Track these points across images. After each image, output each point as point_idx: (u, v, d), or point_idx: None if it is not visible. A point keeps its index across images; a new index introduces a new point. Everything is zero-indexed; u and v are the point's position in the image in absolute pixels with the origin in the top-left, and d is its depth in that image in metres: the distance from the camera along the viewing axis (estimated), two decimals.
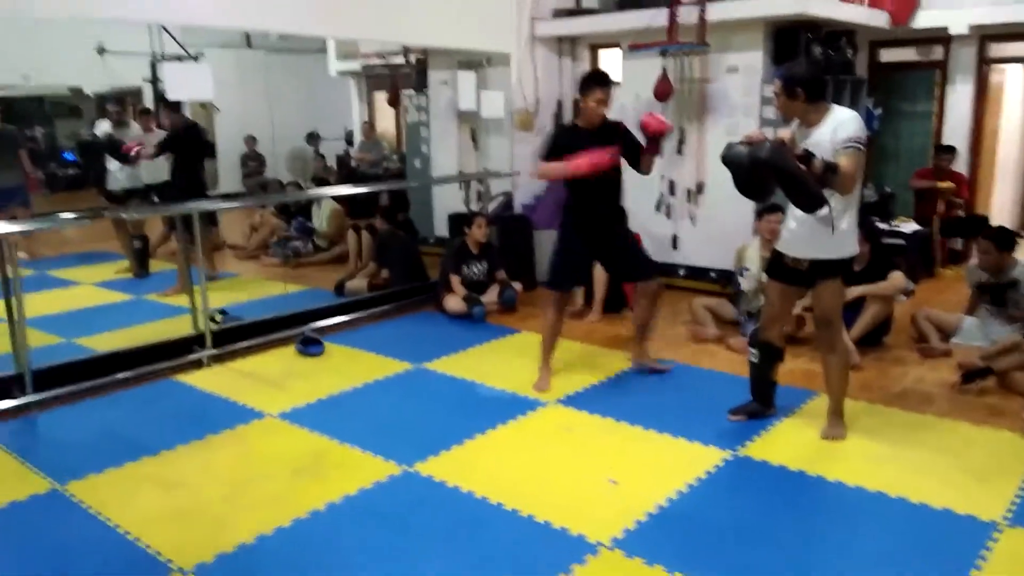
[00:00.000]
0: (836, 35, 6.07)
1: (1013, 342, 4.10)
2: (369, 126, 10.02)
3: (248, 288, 6.59)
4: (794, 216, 3.30)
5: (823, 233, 3.19)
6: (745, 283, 4.98)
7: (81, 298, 6.38)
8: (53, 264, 7.46)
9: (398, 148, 9.32)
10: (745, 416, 3.66)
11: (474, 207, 6.43)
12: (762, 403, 3.69)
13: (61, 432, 3.77)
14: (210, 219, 8.05)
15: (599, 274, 5.49)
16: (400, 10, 5.56)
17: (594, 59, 6.93)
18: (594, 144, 3.90)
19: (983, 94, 6.88)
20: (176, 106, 6.41)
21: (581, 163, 3.86)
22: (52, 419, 3.89)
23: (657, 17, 5.83)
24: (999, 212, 7.36)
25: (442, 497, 3.06)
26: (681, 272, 6.29)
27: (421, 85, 7.70)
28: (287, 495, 3.09)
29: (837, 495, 3.03)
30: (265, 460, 3.41)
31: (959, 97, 6.84)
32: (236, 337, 4.86)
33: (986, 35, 6.64)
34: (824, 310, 3.39)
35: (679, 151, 6.17)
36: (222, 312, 5.14)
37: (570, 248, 4.16)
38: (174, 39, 9.22)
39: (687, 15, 5.71)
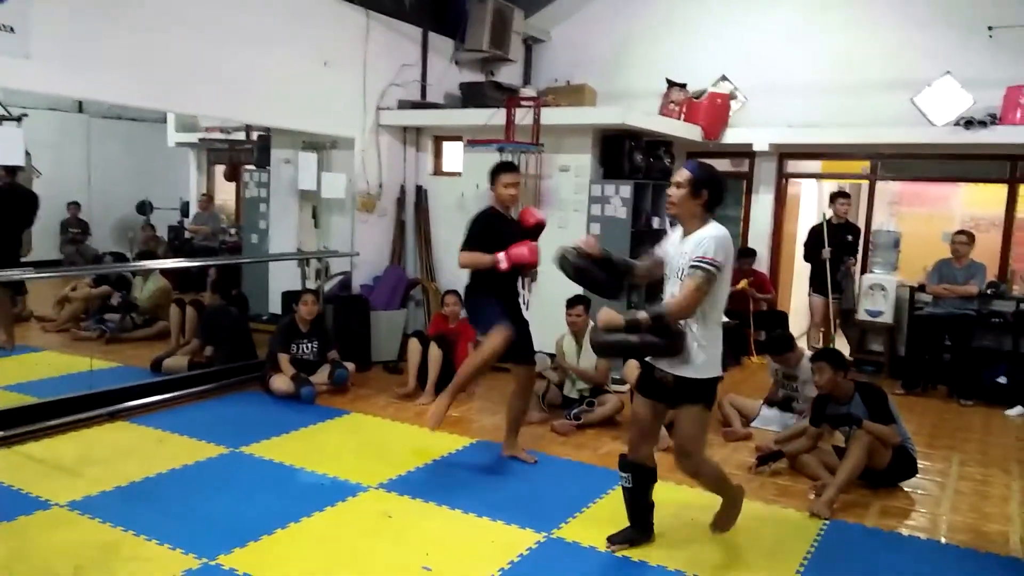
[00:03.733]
0: (656, 144, 6.66)
1: (801, 427, 4.51)
2: (207, 198, 9.71)
3: (51, 364, 6.05)
4: None
5: (686, 349, 3.00)
6: (543, 365, 5.23)
7: None
8: None
9: (236, 222, 9.07)
10: (626, 544, 3.32)
11: (311, 285, 6.33)
12: (641, 529, 3.36)
13: None
14: (16, 288, 7.40)
15: (433, 355, 5.53)
16: (244, 90, 5.55)
17: (438, 149, 7.18)
18: (519, 235, 4.14)
19: (782, 203, 7.74)
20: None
21: (523, 255, 4.08)
22: None
23: (496, 116, 6.16)
24: (797, 306, 8.16)
25: None
26: None
27: (262, 162, 7.61)
28: None
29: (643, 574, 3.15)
30: (45, 555, 3.08)
31: (762, 205, 7.66)
32: (27, 418, 4.42)
33: (784, 152, 7.54)
34: (682, 438, 3.14)
35: None
36: None
37: (496, 299, 4.21)
38: None
39: (523, 117, 6.08)
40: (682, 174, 3.03)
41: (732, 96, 7.42)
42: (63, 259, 9.71)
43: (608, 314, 3.05)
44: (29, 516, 3.43)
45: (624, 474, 3.29)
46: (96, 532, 3.30)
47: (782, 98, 7.17)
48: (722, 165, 7.76)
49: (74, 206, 10.26)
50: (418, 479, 4.07)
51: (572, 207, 6.28)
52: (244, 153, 8.17)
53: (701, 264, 2.91)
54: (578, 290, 5.75)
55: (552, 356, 5.43)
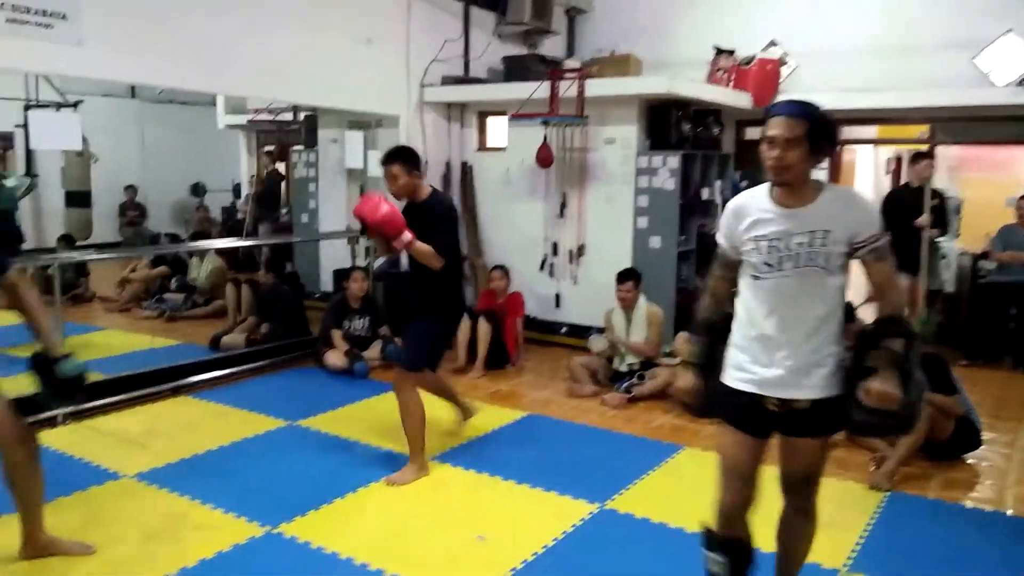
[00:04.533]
0: (704, 113, 6.54)
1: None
2: (257, 179, 9.87)
3: (115, 342, 6.27)
4: (784, 338, 2.19)
5: (831, 359, 2.20)
6: (596, 344, 5.20)
7: None
8: None
9: (286, 202, 9.22)
10: None
11: (361, 263, 6.41)
12: None
13: None
14: (79, 270, 7.67)
15: (482, 330, 5.57)
16: (291, 70, 5.59)
17: (482, 125, 7.16)
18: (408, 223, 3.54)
19: (837, 171, 7.53)
20: None
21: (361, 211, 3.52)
22: None
23: (540, 89, 6.11)
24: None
25: (305, 559, 2.98)
26: (563, 330, 6.47)
27: (310, 142, 7.70)
28: (137, 560, 2.92)
29: (696, 547, 3.14)
30: (116, 523, 3.22)
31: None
32: (95, 394, 4.59)
33: (838, 119, 7.30)
34: (810, 467, 2.32)
35: (561, 215, 6.42)
36: None
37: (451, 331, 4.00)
38: (52, 86, 8.90)
39: (567, 89, 6.02)
40: (789, 126, 2.09)
41: (782, 61, 7.21)
42: (123, 241, 10.03)
43: (881, 390, 2.08)
44: (100, 486, 3.58)
45: (714, 555, 2.36)
46: (164, 502, 3.43)
47: (835, 62, 6.94)
48: None
49: (131, 190, 10.57)
50: (471, 451, 4.12)
51: (619, 180, 6.21)
52: (292, 134, 8.28)
53: (884, 242, 2.16)
54: (626, 263, 5.75)
55: (601, 330, 5.41)
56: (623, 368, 5.15)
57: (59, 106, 8.85)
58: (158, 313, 7.06)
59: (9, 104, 8.94)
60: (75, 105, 8.95)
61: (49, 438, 4.12)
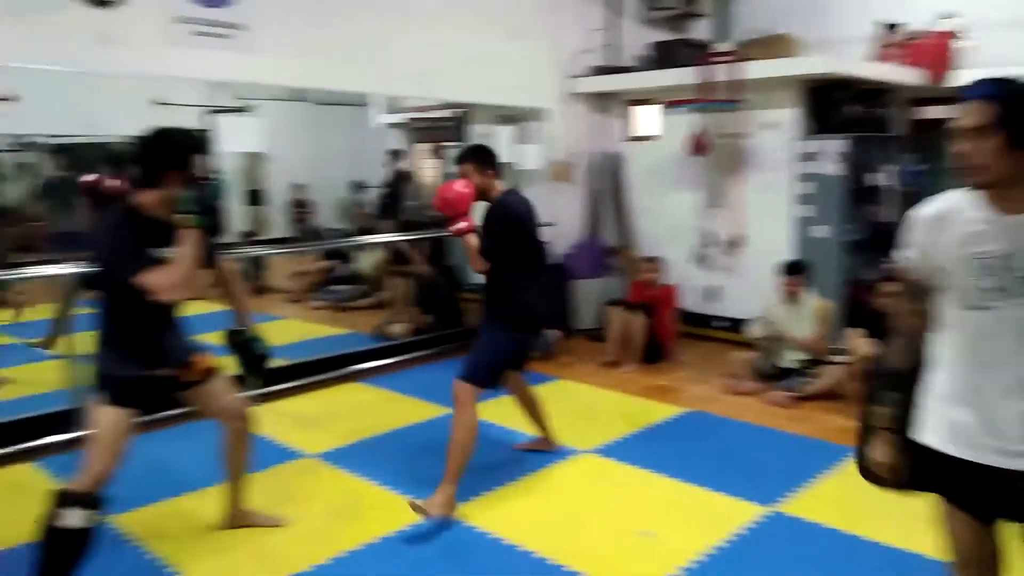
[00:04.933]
0: (870, 93, 6.13)
1: None
2: (396, 177, 10.28)
3: (291, 330, 6.76)
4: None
5: None
6: (755, 331, 5.02)
7: None
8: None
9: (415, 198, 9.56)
10: None
11: None
12: None
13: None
14: (256, 263, 8.31)
15: (636, 323, 5.54)
16: (446, 68, 5.78)
17: (631, 114, 7.09)
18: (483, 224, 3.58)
19: None
20: None
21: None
22: None
23: (692, 75, 5.97)
24: None
25: (474, 542, 3.10)
26: (720, 324, 6.31)
27: (462, 137, 7.92)
28: (324, 534, 3.15)
29: (876, 555, 2.99)
30: (303, 499, 3.49)
31: None
32: (278, 378, 4.98)
33: None
34: None
35: (715, 204, 6.26)
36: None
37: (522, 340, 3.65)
38: (229, 93, 9.67)
39: (721, 73, 5.84)
40: (975, 112, 1.65)
41: (957, 35, 6.63)
42: (295, 237, 10.75)
43: None
44: (286, 464, 3.89)
45: None
46: (343, 481, 3.69)
47: (1020, 33, 6.30)
48: (943, 114, 7.00)
49: (300, 187, 11.31)
50: (631, 445, 4.12)
51: (778, 166, 5.96)
52: (445, 130, 8.55)
53: None
54: (785, 254, 5.52)
55: (760, 324, 5.23)
56: (788, 365, 4.96)
57: (237, 111, 9.63)
58: (327, 303, 7.54)
59: (190, 110, 9.78)
60: (248, 110, 9.71)
61: None
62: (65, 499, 2.52)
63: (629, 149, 7.03)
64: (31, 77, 8.12)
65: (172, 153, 2.66)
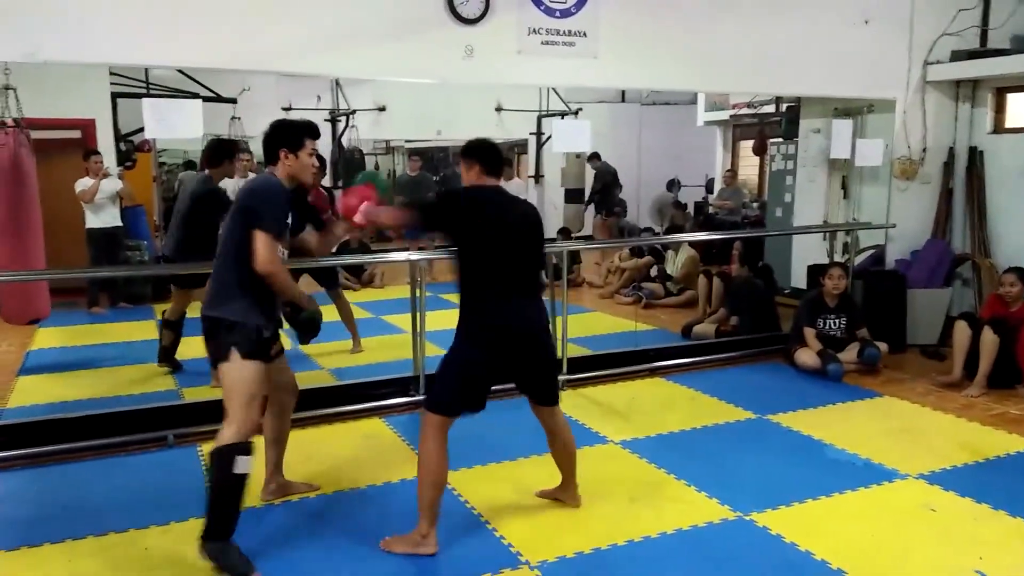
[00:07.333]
0: None
1: None
2: (731, 174, 10.05)
3: (601, 323, 7.03)
4: None
5: None
6: None
7: None
8: (441, 288, 8.75)
9: (759, 196, 9.19)
10: None
11: (839, 258, 6.07)
12: None
13: None
14: (572, 258, 8.76)
15: (987, 341, 4.81)
16: (777, 62, 5.55)
17: (1000, 103, 6.16)
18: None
19: None
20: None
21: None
22: None
23: None
24: None
25: (777, 551, 2.96)
26: None
27: (790, 133, 7.54)
28: (623, 518, 3.24)
29: None
30: (606, 482, 3.61)
31: None
32: (586, 367, 5.22)
33: None
34: None
35: None
36: None
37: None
38: (559, 97, 10.34)
39: None
40: None
41: None
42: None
43: None
44: (591, 447, 4.06)
45: None
46: (644, 470, 3.75)
47: None
48: None
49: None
50: (968, 476, 3.60)
51: None
52: (772, 126, 8.20)
53: None
54: None
55: None
56: None
57: (563, 114, 10.25)
58: (634, 299, 7.70)
59: (525, 115, 10.63)
60: (576, 112, 10.28)
61: None
62: (236, 450, 2.75)
63: (992, 143, 6.11)
64: (397, 90, 9.54)
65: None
